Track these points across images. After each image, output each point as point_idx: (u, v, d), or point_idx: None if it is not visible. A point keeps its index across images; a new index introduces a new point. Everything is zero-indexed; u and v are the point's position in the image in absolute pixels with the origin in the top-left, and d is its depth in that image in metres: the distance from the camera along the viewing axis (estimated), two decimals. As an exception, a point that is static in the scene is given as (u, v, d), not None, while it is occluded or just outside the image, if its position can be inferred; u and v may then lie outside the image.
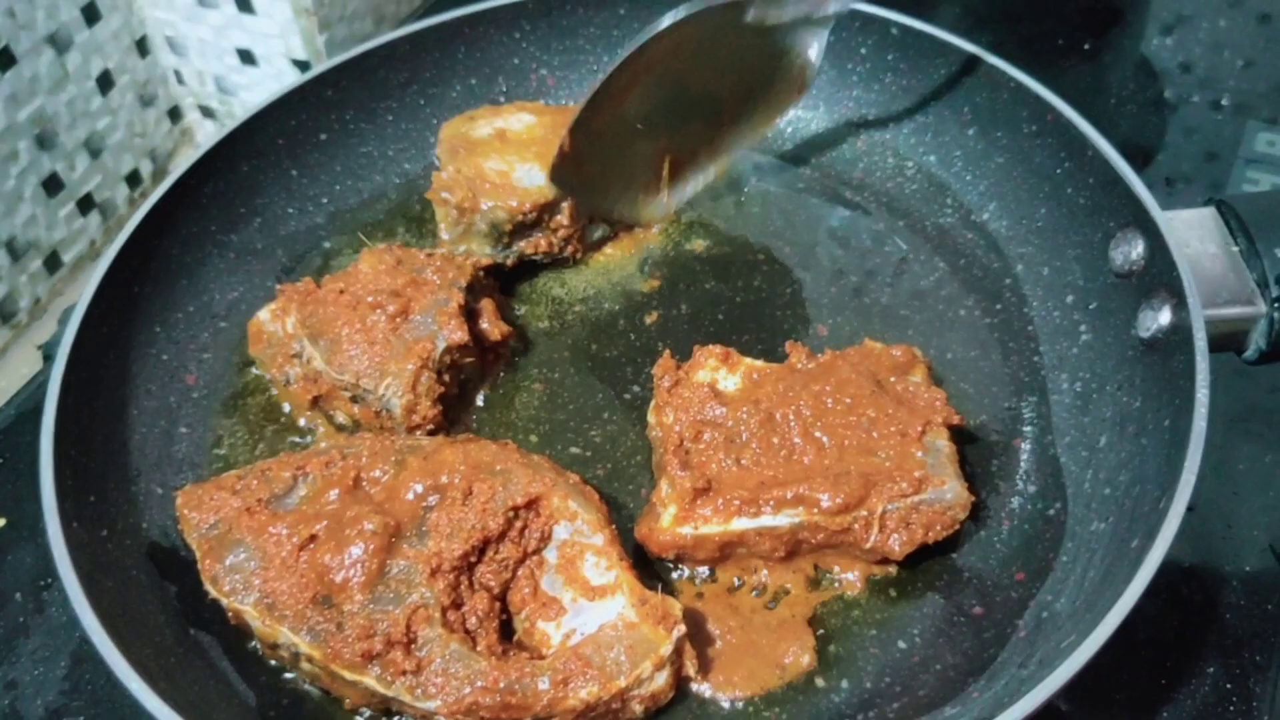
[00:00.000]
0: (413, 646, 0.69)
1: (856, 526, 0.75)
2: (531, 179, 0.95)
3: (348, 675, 0.69)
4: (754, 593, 0.78)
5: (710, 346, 0.83)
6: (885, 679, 0.74)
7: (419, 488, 0.74)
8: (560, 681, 0.68)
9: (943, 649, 0.75)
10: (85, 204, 1.29)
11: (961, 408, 0.82)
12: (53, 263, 1.27)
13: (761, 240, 1.02)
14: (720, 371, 0.82)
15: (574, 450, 0.87)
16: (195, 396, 0.91)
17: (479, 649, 0.70)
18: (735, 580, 0.79)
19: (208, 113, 1.39)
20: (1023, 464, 0.84)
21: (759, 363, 0.83)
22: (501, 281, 0.99)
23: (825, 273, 0.99)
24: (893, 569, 0.79)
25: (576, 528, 0.74)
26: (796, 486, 0.75)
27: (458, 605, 0.72)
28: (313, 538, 0.72)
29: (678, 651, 0.70)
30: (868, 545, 0.75)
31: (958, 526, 0.76)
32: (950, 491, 0.75)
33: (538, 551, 0.75)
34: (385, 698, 0.70)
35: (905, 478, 0.75)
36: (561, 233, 0.98)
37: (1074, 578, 0.74)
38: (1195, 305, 0.75)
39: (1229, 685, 0.78)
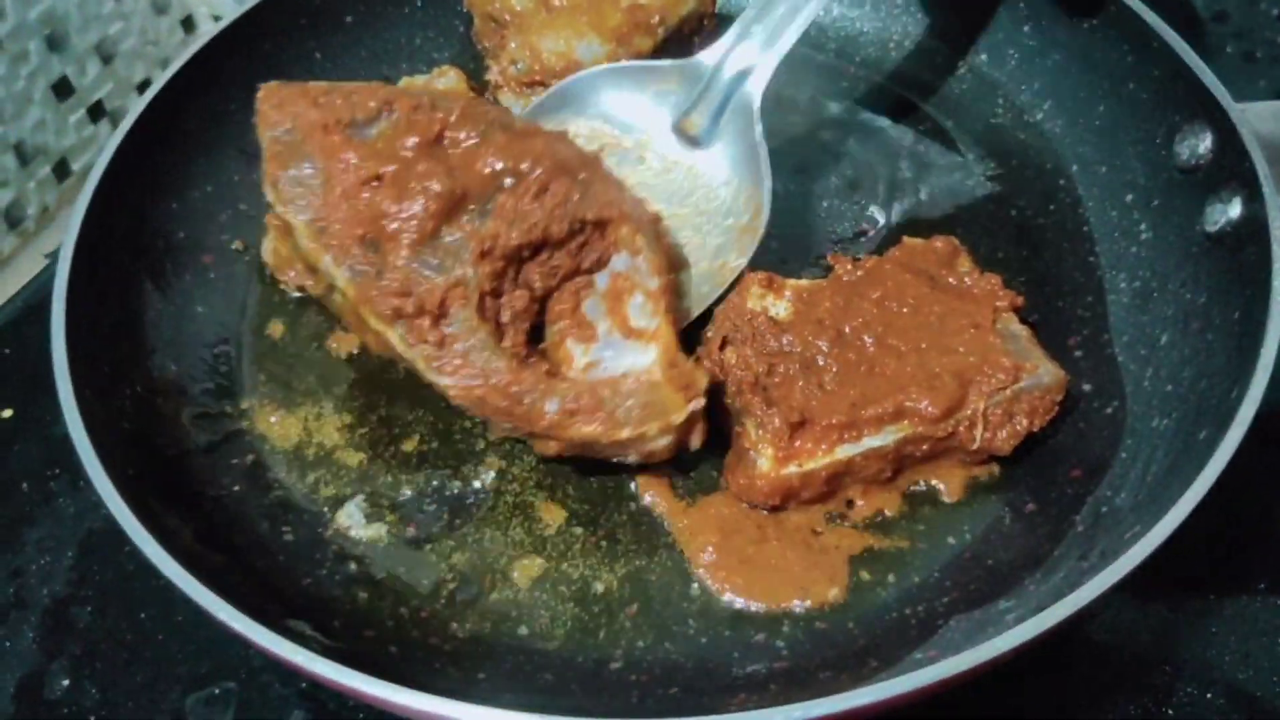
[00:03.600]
0: (442, 321, 0.69)
1: (961, 429, 0.72)
2: (592, 54, 0.90)
3: (373, 323, 0.70)
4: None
5: (751, 274, 0.78)
6: (934, 574, 0.72)
7: (497, 165, 0.72)
8: (567, 411, 0.68)
9: (995, 545, 0.73)
10: (95, 111, 1.26)
11: (1013, 308, 0.80)
12: (61, 170, 1.23)
13: (808, 140, 1.00)
14: (768, 298, 0.77)
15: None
16: (212, 278, 0.88)
17: (504, 344, 0.70)
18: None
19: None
20: (1078, 363, 0.81)
21: (803, 281, 0.78)
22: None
23: (872, 172, 0.97)
24: (995, 468, 0.76)
25: (635, 264, 0.72)
26: (894, 399, 0.71)
27: (496, 295, 0.71)
28: (378, 177, 0.71)
29: (689, 423, 0.69)
30: (974, 446, 0.73)
31: (1056, 410, 0.74)
32: (1046, 375, 0.73)
33: (590, 272, 0.73)
34: (401, 357, 0.70)
35: (998, 369, 0.72)
36: None
37: (1134, 473, 0.72)
38: (1271, 195, 0.73)
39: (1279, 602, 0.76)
